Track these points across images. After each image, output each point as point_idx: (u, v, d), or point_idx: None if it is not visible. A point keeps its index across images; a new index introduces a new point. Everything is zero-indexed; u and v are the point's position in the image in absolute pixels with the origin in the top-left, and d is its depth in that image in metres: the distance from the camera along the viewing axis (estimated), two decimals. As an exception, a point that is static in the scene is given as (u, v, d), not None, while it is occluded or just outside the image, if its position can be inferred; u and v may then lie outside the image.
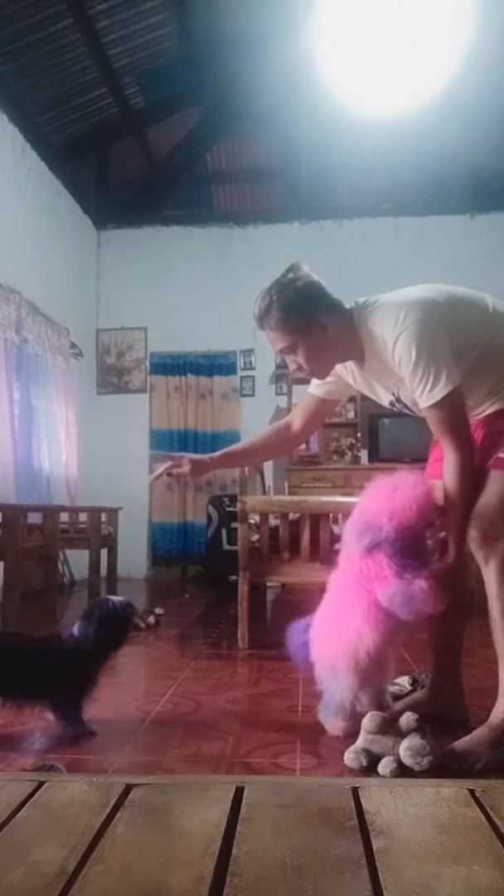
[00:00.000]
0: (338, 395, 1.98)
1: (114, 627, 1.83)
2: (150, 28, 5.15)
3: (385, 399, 1.83)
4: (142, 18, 5.01)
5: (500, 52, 4.84)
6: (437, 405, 1.57)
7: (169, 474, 1.97)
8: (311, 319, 1.67)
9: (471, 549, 1.62)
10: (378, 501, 1.62)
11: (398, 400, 1.80)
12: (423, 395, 1.58)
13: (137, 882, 0.68)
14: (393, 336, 1.58)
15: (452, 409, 1.59)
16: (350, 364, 1.80)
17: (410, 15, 3.77)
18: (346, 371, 1.84)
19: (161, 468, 1.96)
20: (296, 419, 1.99)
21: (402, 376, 1.62)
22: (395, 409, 1.83)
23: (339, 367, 1.83)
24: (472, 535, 1.59)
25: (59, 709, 1.77)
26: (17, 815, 0.84)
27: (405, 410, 1.83)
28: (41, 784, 0.93)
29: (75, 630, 1.83)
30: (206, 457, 1.96)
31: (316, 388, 1.95)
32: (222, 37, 5.47)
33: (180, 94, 5.97)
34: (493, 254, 5.76)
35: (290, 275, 1.70)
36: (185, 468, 1.93)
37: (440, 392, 1.55)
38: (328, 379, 1.88)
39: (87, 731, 1.78)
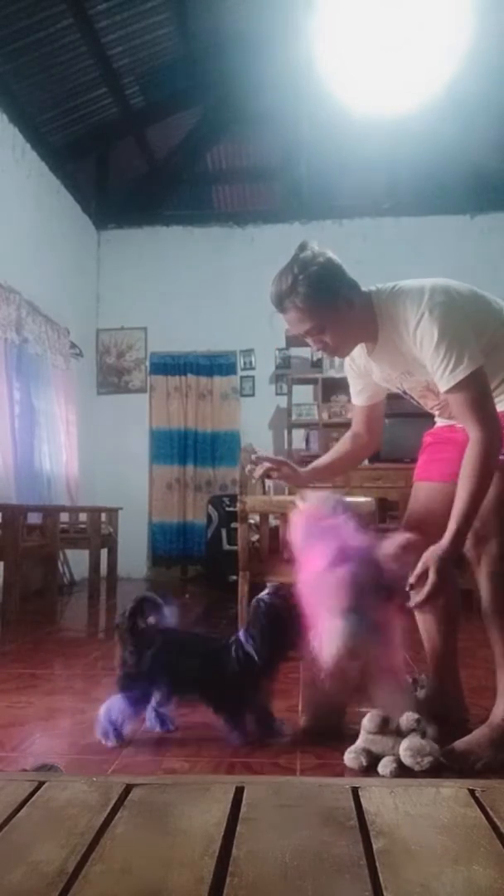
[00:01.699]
0: (379, 394, 1.92)
1: (280, 632, 1.68)
2: (150, 28, 5.16)
3: (391, 387, 1.81)
4: (142, 18, 5.01)
5: (500, 52, 4.84)
6: (459, 385, 1.51)
7: (268, 476, 1.94)
8: (338, 295, 1.61)
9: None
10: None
11: (404, 392, 1.78)
12: (445, 376, 1.52)
13: (137, 882, 0.68)
14: (416, 316, 1.54)
15: (477, 388, 1.51)
16: (362, 351, 1.76)
17: (410, 15, 3.77)
18: (359, 355, 1.80)
19: (261, 468, 1.91)
20: (359, 428, 1.96)
21: (423, 358, 1.57)
22: (401, 394, 1.80)
23: (355, 355, 1.79)
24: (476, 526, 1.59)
25: (224, 714, 1.73)
26: (17, 815, 0.84)
27: (412, 401, 1.81)
28: (41, 784, 0.93)
29: (242, 636, 1.75)
30: (300, 470, 1.91)
31: (357, 398, 1.93)
32: (222, 37, 5.48)
33: (180, 94, 5.97)
34: (494, 254, 5.76)
35: (307, 252, 1.63)
36: (284, 471, 1.88)
37: (462, 372, 1.50)
38: (355, 378, 1.87)
39: (273, 732, 1.75)
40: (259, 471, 1.93)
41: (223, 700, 1.72)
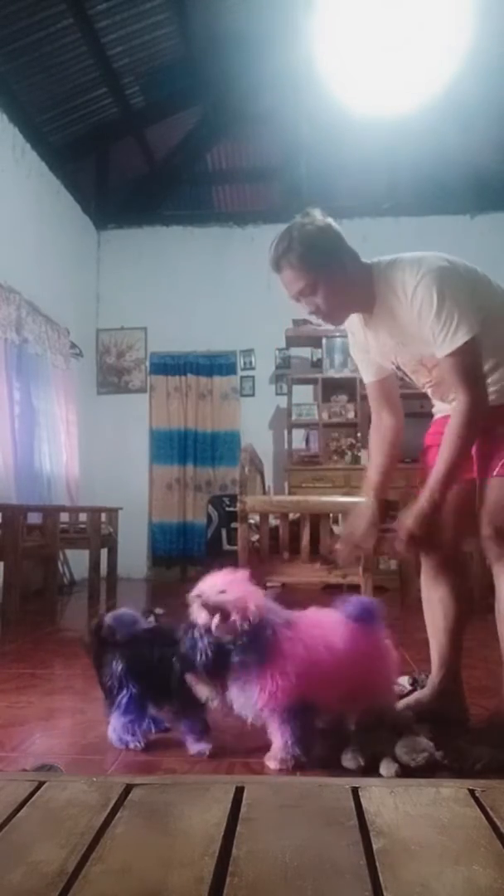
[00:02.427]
0: (384, 369, 1.90)
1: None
2: (150, 28, 5.16)
3: (384, 362, 1.81)
4: (142, 18, 5.01)
5: (500, 52, 4.84)
6: (457, 351, 1.54)
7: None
8: (333, 256, 1.63)
9: (482, 547, 1.61)
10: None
11: (397, 367, 1.78)
12: (445, 341, 1.54)
13: (137, 882, 0.68)
14: (415, 281, 1.56)
15: (473, 355, 1.55)
16: (356, 320, 1.76)
17: (410, 15, 3.77)
18: (360, 330, 1.80)
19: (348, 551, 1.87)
20: (381, 411, 1.91)
21: (422, 323, 1.57)
22: (394, 369, 1.81)
23: (355, 329, 1.79)
24: (487, 531, 1.59)
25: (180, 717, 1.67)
26: (17, 815, 0.84)
27: (404, 378, 1.82)
28: (41, 784, 0.93)
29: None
30: (374, 508, 1.83)
31: (366, 374, 1.91)
32: (222, 37, 5.47)
33: (180, 94, 5.97)
34: (494, 254, 5.75)
35: (308, 217, 1.67)
36: (370, 532, 1.82)
37: (462, 338, 1.53)
38: (359, 353, 1.87)
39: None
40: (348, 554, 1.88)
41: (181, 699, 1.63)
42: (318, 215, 1.67)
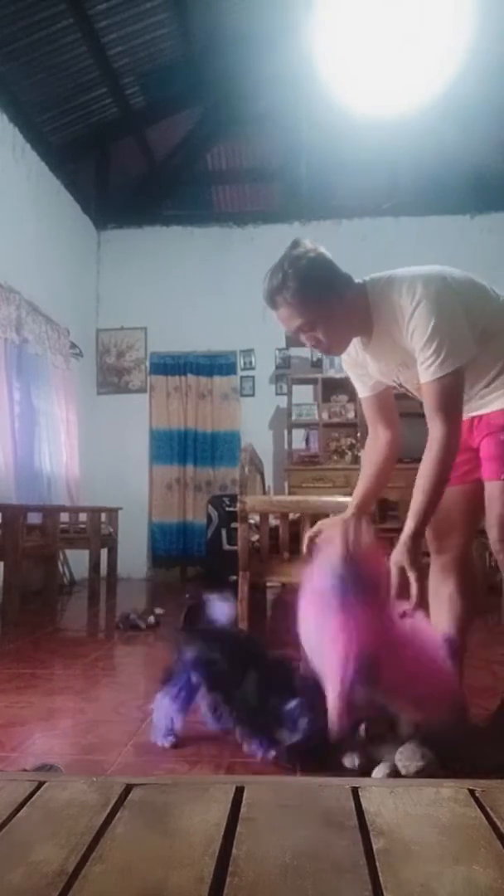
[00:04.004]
0: (381, 382, 1.88)
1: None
2: (150, 28, 5.16)
3: (386, 380, 1.79)
4: (142, 18, 5.01)
5: (500, 52, 4.84)
6: (440, 380, 1.53)
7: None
8: (329, 288, 1.60)
9: (493, 552, 1.62)
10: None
11: (400, 385, 1.77)
12: (431, 368, 1.53)
13: (137, 882, 0.68)
14: (411, 306, 1.54)
15: (454, 386, 1.54)
16: (356, 343, 1.75)
17: (410, 15, 3.77)
18: (354, 348, 1.78)
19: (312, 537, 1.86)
20: (377, 425, 1.90)
21: (413, 347, 1.56)
22: (397, 386, 1.79)
23: (351, 348, 1.78)
24: (496, 535, 1.60)
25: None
26: (17, 815, 0.84)
27: (407, 394, 1.80)
28: (41, 784, 0.93)
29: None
30: (353, 513, 1.85)
31: (361, 389, 1.89)
32: (222, 37, 5.48)
33: (180, 94, 5.97)
34: (494, 254, 5.76)
35: (299, 249, 1.62)
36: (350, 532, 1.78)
37: (447, 368, 1.52)
38: (353, 368, 1.84)
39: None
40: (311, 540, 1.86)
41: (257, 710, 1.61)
42: (308, 245, 1.63)
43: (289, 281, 1.57)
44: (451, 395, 1.54)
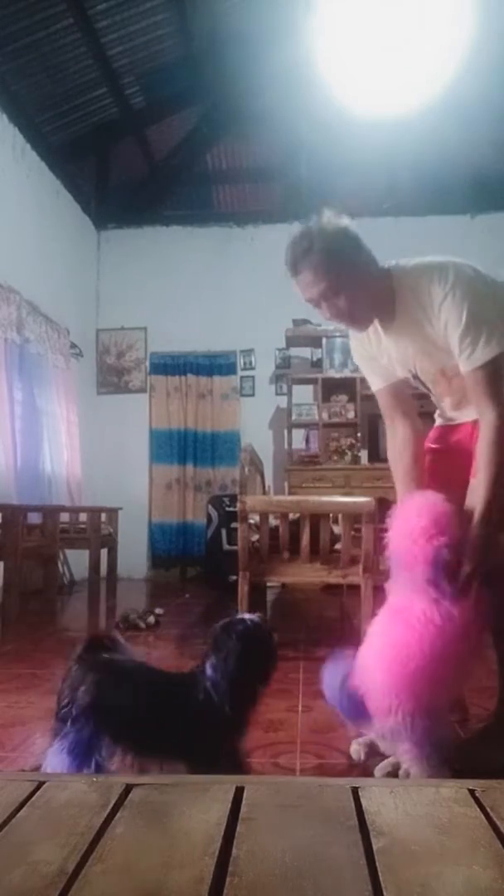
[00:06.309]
0: (395, 374, 1.83)
1: (256, 656, 1.37)
2: (150, 28, 5.15)
3: (400, 372, 1.77)
4: (142, 18, 5.01)
5: (500, 52, 4.84)
6: (484, 366, 1.51)
7: None
8: (355, 257, 1.58)
9: None
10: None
11: (415, 377, 1.74)
12: (472, 356, 1.51)
13: (137, 882, 0.68)
14: (443, 292, 1.52)
15: (498, 371, 1.52)
16: (374, 329, 1.71)
17: (410, 15, 3.77)
18: (367, 338, 1.75)
19: None
20: (395, 419, 1.85)
21: (448, 336, 1.54)
22: (411, 378, 1.76)
23: (363, 338, 1.74)
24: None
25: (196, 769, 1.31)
26: (17, 815, 0.84)
27: (421, 388, 1.78)
28: (41, 784, 0.93)
29: (208, 669, 1.36)
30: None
31: (374, 381, 1.85)
32: (222, 37, 5.47)
33: (180, 94, 5.97)
34: (494, 254, 5.74)
35: (325, 217, 1.61)
36: None
37: (490, 353, 1.50)
38: (365, 361, 1.81)
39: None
40: None
41: (186, 750, 1.33)
42: (332, 216, 1.62)
43: (315, 243, 1.56)
44: (496, 381, 1.52)
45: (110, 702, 1.36)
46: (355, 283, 1.59)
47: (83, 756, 1.32)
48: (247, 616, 1.44)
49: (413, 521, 1.50)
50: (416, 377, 1.75)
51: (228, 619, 1.43)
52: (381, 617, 1.57)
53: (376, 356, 1.78)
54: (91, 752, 1.33)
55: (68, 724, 1.34)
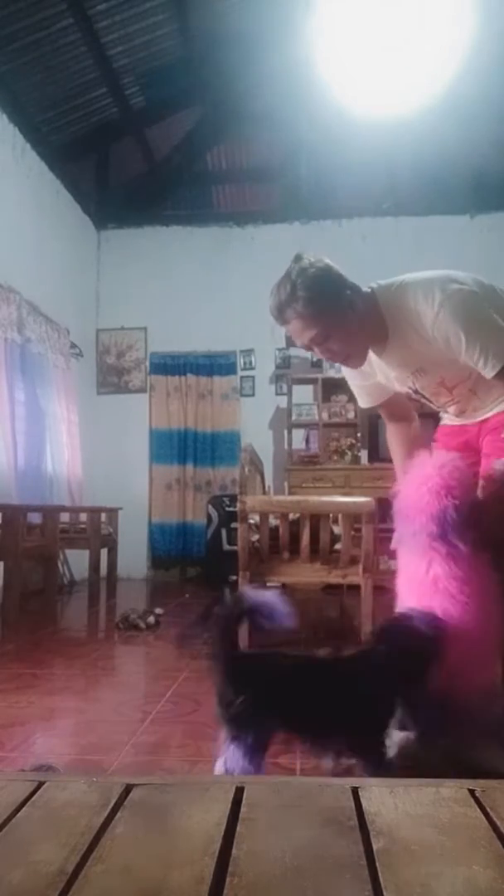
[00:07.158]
0: (384, 394, 1.85)
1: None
2: (150, 28, 5.15)
3: (400, 388, 1.77)
4: (142, 18, 5.01)
5: (500, 52, 4.84)
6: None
7: None
8: (340, 297, 1.56)
9: None
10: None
11: (415, 391, 1.74)
12: (489, 363, 1.49)
13: (137, 882, 0.68)
14: (433, 310, 1.50)
15: None
16: (368, 356, 1.71)
17: (410, 15, 3.77)
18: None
19: None
20: (392, 421, 1.94)
21: (454, 353, 1.54)
22: (411, 394, 1.78)
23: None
24: None
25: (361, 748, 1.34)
26: (17, 815, 0.84)
27: (423, 401, 1.78)
28: (41, 784, 0.92)
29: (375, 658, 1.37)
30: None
31: (363, 401, 1.89)
32: (222, 37, 5.47)
33: (180, 94, 5.97)
34: (494, 254, 5.76)
35: (304, 261, 1.58)
36: None
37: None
38: (355, 380, 1.84)
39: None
40: None
41: (358, 741, 1.33)
42: (312, 257, 1.59)
43: (298, 291, 1.54)
44: None
45: (285, 699, 1.34)
46: (344, 324, 1.58)
47: (261, 757, 1.30)
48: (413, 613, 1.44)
49: (429, 474, 1.52)
50: (416, 392, 1.75)
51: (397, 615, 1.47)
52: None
53: (371, 376, 1.80)
54: (265, 751, 1.32)
55: (241, 725, 1.30)
